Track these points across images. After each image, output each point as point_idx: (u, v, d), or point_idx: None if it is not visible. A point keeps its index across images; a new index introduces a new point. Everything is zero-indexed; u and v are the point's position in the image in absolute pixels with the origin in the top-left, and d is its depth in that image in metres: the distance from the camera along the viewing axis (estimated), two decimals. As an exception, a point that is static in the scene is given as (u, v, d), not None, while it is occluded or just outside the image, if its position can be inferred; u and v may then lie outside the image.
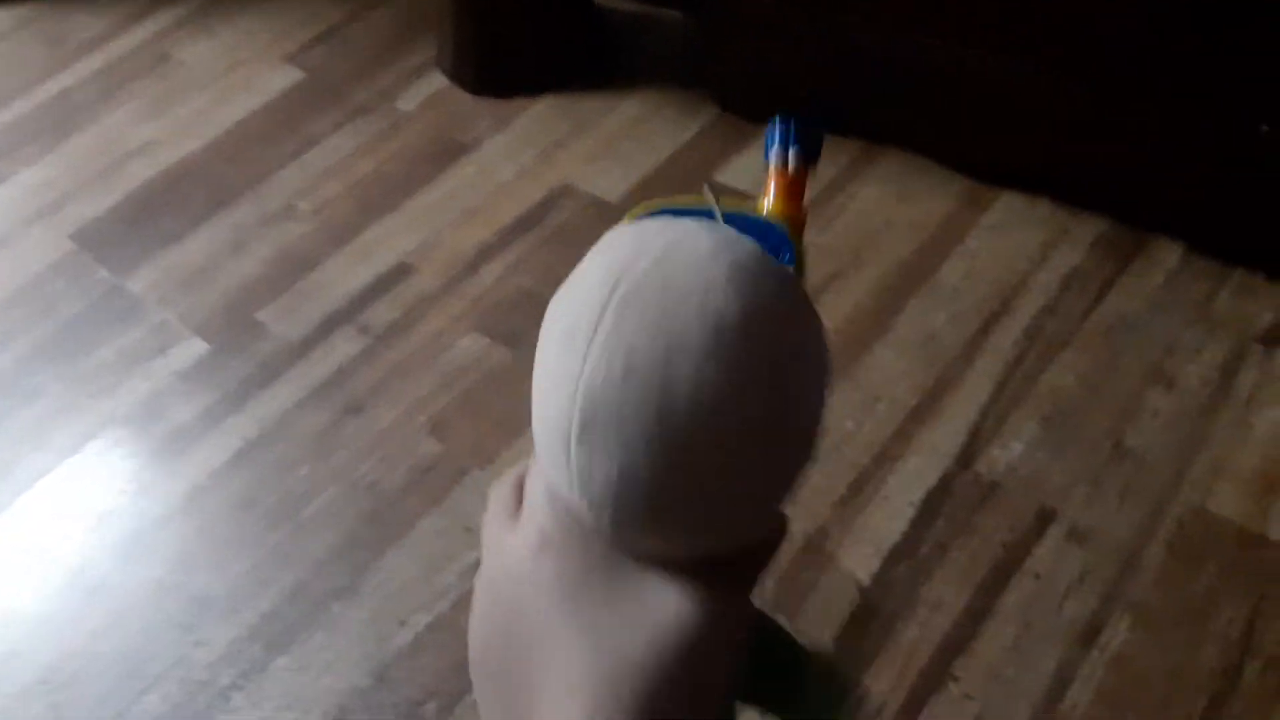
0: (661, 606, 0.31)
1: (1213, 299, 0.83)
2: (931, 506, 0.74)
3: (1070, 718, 0.63)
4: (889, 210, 0.97)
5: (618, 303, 0.29)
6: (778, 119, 0.42)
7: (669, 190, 1.05)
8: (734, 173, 1.03)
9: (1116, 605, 0.67)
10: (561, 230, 1.00)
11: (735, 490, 0.31)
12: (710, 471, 0.30)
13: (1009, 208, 0.94)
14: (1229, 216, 0.82)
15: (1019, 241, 0.91)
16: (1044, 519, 0.72)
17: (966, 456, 0.77)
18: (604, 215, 1.01)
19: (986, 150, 0.95)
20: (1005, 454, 0.77)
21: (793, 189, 0.44)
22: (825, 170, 1.01)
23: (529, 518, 0.34)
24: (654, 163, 1.06)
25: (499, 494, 0.36)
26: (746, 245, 0.32)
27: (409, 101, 1.19)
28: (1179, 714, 0.62)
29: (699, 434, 0.29)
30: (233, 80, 1.26)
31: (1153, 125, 0.81)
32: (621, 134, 1.11)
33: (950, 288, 0.89)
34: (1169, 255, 0.86)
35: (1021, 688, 0.65)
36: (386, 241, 1.02)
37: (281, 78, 1.25)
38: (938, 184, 0.98)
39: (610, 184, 1.05)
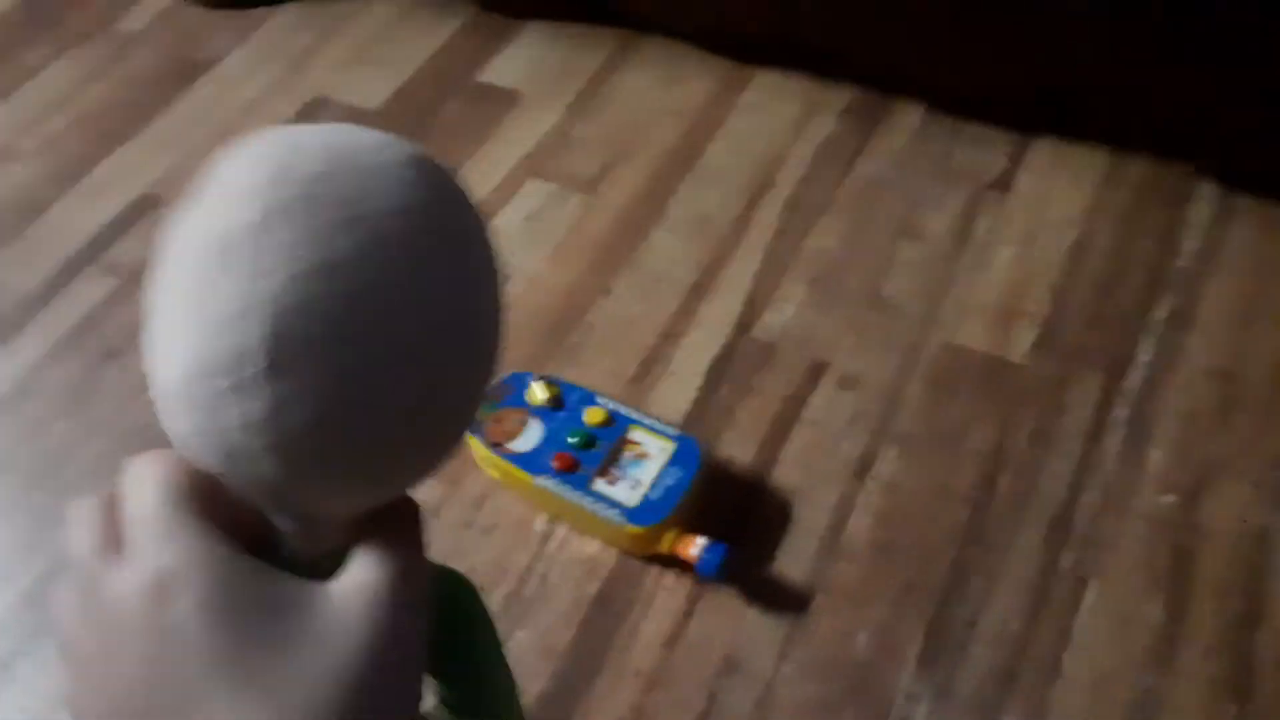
0: (341, 596, 0.27)
1: (951, 154, 0.89)
2: (716, 375, 0.78)
3: (853, 543, 0.69)
4: (653, 97, 0.98)
5: (290, 204, 0.25)
6: None
7: (430, 94, 1.03)
8: (497, 71, 1.02)
9: (884, 439, 0.73)
10: (322, 145, 0.96)
11: (448, 399, 0.27)
12: (428, 377, 0.26)
13: (765, 85, 0.97)
14: (960, 73, 0.88)
15: (776, 117, 0.94)
16: (817, 371, 0.77)
17: (744, 324, 0.81)
18: (364, 124, 0.97)
19: (740, 30, 0.97)
20: (779, 317, 0.81)
21: None
22: (587, 62, 1.01)
23: (136, 553, 0.26)
24: (413, 65, 1.03)
25: (85, 520, 0.28)
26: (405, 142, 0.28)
27: (135, 21, 1.10)
28: (945, 525, 0.69)
29: (412, 333, 0.25)
30: (-78, 11, 1.12)
31: (883, -8, 0.85)
32: (375, 38, 1.06)
33: (717, 168, 0.92)
34: (910, 117, 0.92)
35: (809, 525, 0.70)
36: (126, 174, 0.95)
37: (-18, 6, 1.12)
38: (697, 68, 0.99)
39: (369, 91, 1.01)
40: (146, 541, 0.26)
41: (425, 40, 1.05)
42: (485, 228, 0.29)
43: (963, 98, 0.90)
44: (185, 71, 1.03)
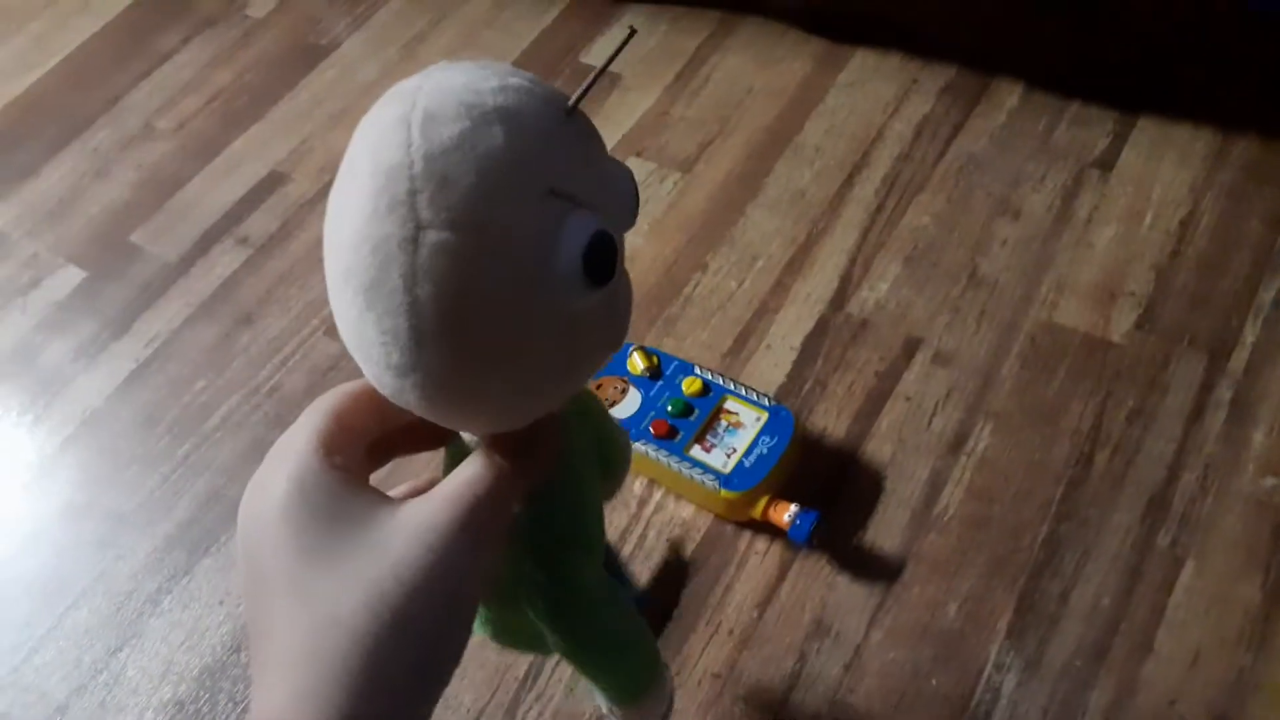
0: (403, 516, 0.30)
1: (1052, 131, 0.89)
2: (810, 349, 0.79)
3: (945, 515, 0.70)
4: (750, 77, 0.99)
5: (427, 163, 0.26)
6: None
7: (536, 75, 1.06)
8: (598, 53, 1.04)
9: (979, 415, 0.74)
10: (433, 126, 1.00)
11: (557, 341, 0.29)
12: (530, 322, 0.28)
13: (862, 65, 0.98)
14: (1060, 52, 0.88)
15: (873, 96, 0.95)
16: (911, 347, 0.78)
17: (839, 300, 0.82)
18: (474, 107, 1.01)
19: (837, 9, 0.98)
20: (873, 294, 0.82)
21: None
22: (686, 43, 1.03)
23: (266, 462, 0.32)
24: (518, 48, 1.06)
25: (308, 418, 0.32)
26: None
27: (259, 8, 1.16)
28: (1039, 500, 0.69)
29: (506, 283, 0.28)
30: (67, 4, 1.20)
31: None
32: (481, 23, 1.10)
33: (813, 146, 0.93)
34: (1010, 96, 0.92)
35: (901, 497, 0.71)
36: (255, 152, 1.01)
37: (119, -6, 1.20)
38: (794, 48, 1.01)
39: (477, 75, 1.05)
40: (275, 451, 0.32)
41: (529, 25, 1.08)
42: (559, 245, 0.29)
43: (1063, 75, 0.89)
44: (307, 55, 1.09)
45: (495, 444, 0.32)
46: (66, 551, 0.76)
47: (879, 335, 0.80)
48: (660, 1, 1.07)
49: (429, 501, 0.30)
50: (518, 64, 1.05)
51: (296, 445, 0.31)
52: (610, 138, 0.97)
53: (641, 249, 0.88)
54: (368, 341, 0.28)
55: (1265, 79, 0.81)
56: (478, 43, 1.08)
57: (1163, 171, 0.84)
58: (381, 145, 0.27)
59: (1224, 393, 0.72)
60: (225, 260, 0.92)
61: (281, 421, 0.81)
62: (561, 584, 0.37)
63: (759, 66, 1.00)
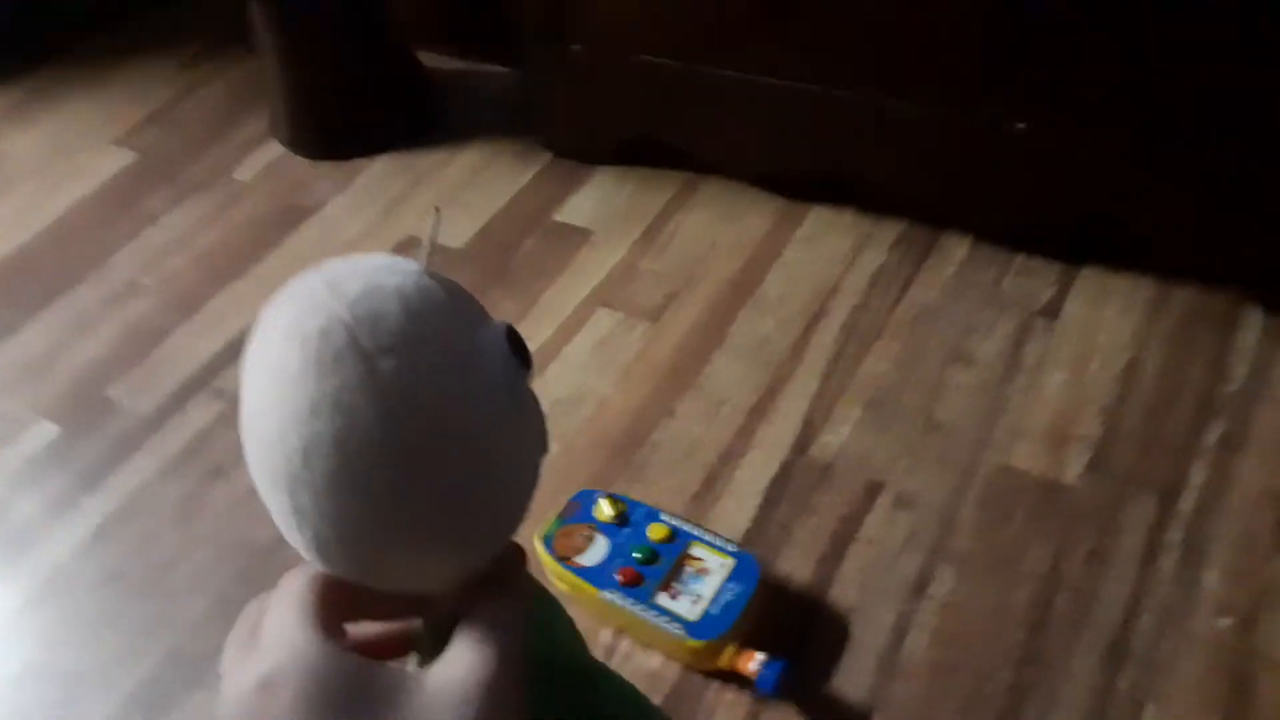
0: (433, 689, 0.29)
1: (1000, 282, 0.93)
2: (775, 494, 0.81)
3: (911, 661, 0.70)
4: (714, 233, 1.04)
5: (316, 346, 0.28)
6: None
7: (511, 232, 1.11)
8: (570, 211, 1.10)
9: (940, 559, 0.75)
10: (410, 280, 1.04)
11: (475, 492, 0.30)
12: (445, 480, 0.29)
13: (819, 220, 1.03)
14: (1005, 208, 0.93)
15: (830, 249, 1.00)
16: (873, 491, 0.80)
17: (802, 444, 0.84)
18: (451, 261, 1.06)
19: (793, 169, 1.04)
20: (835, 438, 0.84)
21: None
22: (653, 202, 1.09)
23: (258, 652, 0.30)
24: (495, 207, 1.12)
25: (241, 621, 0.32)
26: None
27: (246, 172, 1.21)
28: (1003, 644, 0.70)
29: (420, 444, 0.29)
30: (61, 167, 1.25)
31: (930, 132, 0.91)
32: (461, 184, 1.16)
33: (775, 297, 0.97)
34: (959, 248, 0.97)
35: (867, 643, 0.71)
36: (237, 307, 1.04)
37: (112, 161, 1.25)
38: (755, 205, 1.06)
39: (455, 231, 1.09)
40: (268, 642, 0.30)
41: (506, 185, 1.14)
42: (479, 345, 0.31)
43: (1009, 229, 0.95)
44: (291, 216, 1.14)
45: (475, 593, 0.32)
46: (23, 713, 0.75)
47: (842, 479, 0.81)
48: (628, 164, 1.13)
49: (451, 667, 0.30)
50: (495, 221, 1.10)
51: (293, 636, 0.29)
52: (580, 290, 1.01)
53: (611, 397, 0.90)
54: (338, 513, 0.29)
55: (1201, 230, 0.86)
56: (457, 201, 1.13)
57: (1106, 319, 0.89)
58: (303, 319, 0.29)
59: (1175, 534, 0.74)
60: (200, 413, 0.94)
61: (248, 575, 0.81)
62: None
63: (722, 223, 1.05)
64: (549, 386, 0.92)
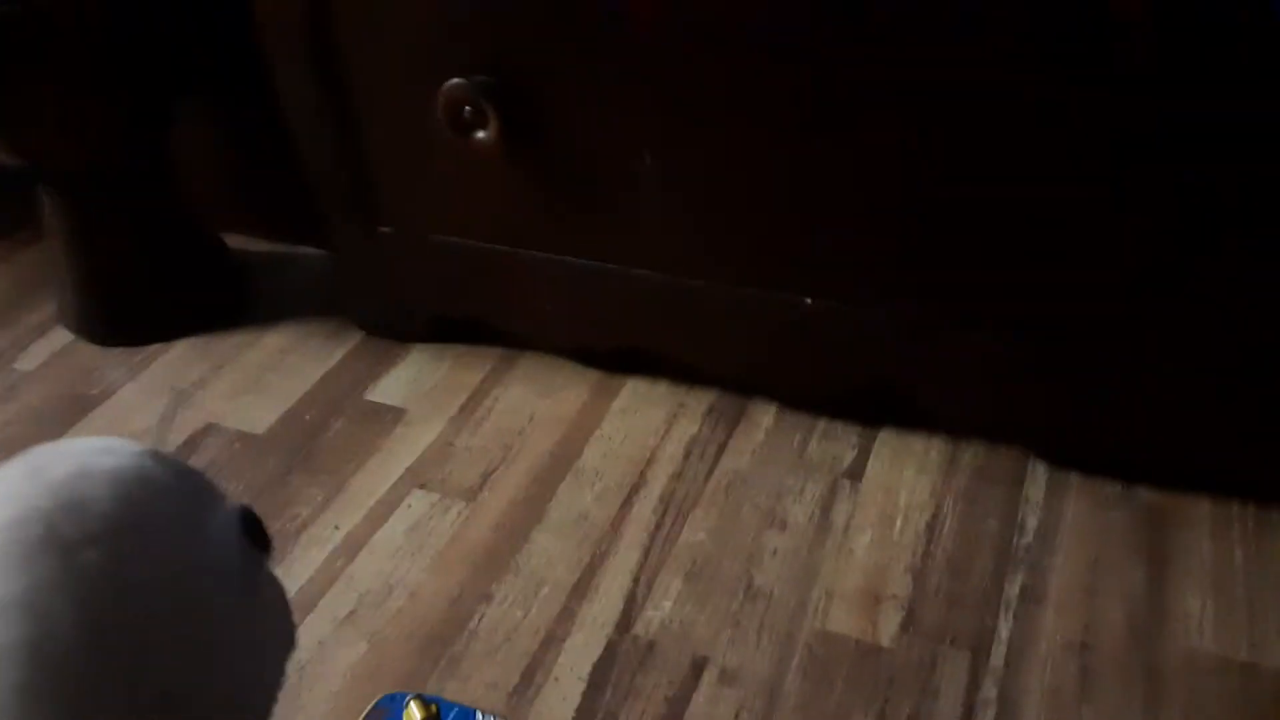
0: None
1: (805, 447, 0.96)
2: (599, 678, 0.78)
3: None
4: (531, 406, 1.04)
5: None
6: None
7: (319, 414, 1.07)
8: (383, 390, 1.07)
9: (767, 735, 0.74)
10: (210, 467, 0.98)
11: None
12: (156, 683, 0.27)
13: (634, 392, 1.05)
14: (804, 377, 0.97)
15: (645, 420, 1.01)
16: (698, 667, 0.78)
17: (625, 623, 0.82)
18: (252, 448, 1.01)
19: (605, 345, 1.06)
20: (658, 613, 0.83)
21: None
22: (469, 378, 1.08)
23: None
24: (301, 389, 1.08)
25: None
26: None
27: (29, 361, 1.13)
28: (833, 824, 0.68)
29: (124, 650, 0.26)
30: None
31: (726, 308, 0.95)
32: (266, 366, 1.11)
33: (593, 470, 0.96)
34: (766, 415, 1.00)
35: (697, 835, 0.68)
36: (5, 509, 0.95)
37: (-127, 350, 1.15)
38: (572, 378, 1.07)
39: (257, 416, 1.05)
40: None
41: (315, 365, 1.11)
42: (208, 531, 0.29)
43: (810, 396, 0.99)
44: (76, 406, 1.06)
45: None
46: None
47: (666, 657, 0.79)
48: (444, 340, 1.13)
49: None
50: (301, 402, 1.06)
51: None
52: (392, 472, 0.97)
53: (424, 583, 0.86)
54: None
55: (983, 392, 0.92)
56: (260, 386, 1.08)
57: (905, 478, 0.92)
58: (6, 503, 0.26)
59: (990, 690, 0.75)
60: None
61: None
62: None
63: (538, 396, 1.05)
64: (356, 579, 0.87)
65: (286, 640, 0.31)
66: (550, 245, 1.00)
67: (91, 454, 0.28)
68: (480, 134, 0.89)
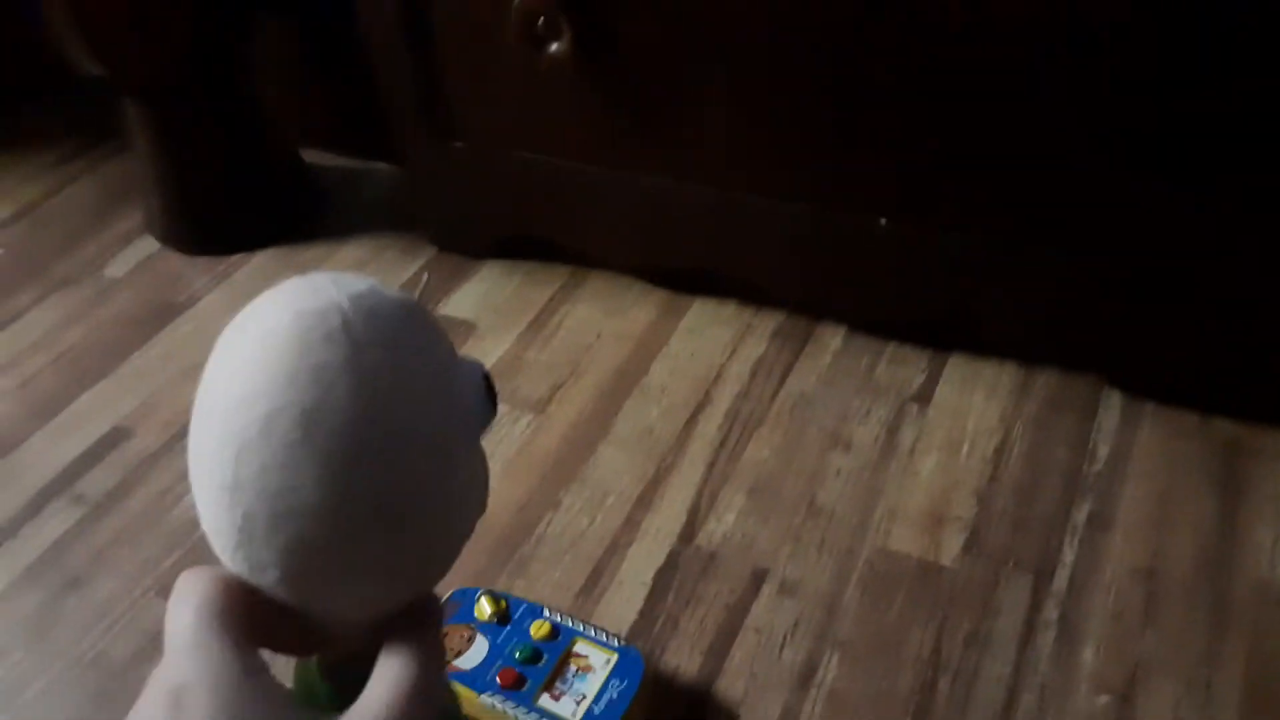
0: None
1: (873, 370, 0.96)
2: (662, 584, 0.80)
3: (797, 754, 0.69)
4: (599, 324, 1.05)
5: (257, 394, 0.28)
6: None
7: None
8: (455, 305, 1.09)
9: (826, 646, 0.75)
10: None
11: (407, 523, 0.29)
12: (384, 512, 0.29)
13: (701, 312, 1.05)
14: (874, 299, 0.97)
15: (712, 340, 1.01)
16: (758, 579, 0.80)
17: (688, 533, 0.84)
18: (330, 358, 1.04)
19: (675, 264, 1.06)
20: (720, 526, 0.84)
21: None
22: (539, 294, 1.09)
23: (166, 665, 0.28)
24: (377, 304, 1.10)
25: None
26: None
27: (119, 268, 1.18)
28: (888, 732, 0.70)
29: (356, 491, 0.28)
30: (-84, 262, 1.19)
31: (797, 227, 0.95)
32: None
33: (659, 387, 0.97)
34: (833, 338, 1.00)
35: (754, 736, 0.70)
36: (100, 409, 0.99)
37: (-26, 256, 1.20)
38: (640, 298, 1.08)
39: (335, 328, 1.07)
40: (175, 656, 0.28)
41: (390, 279, 1.13)
42: (459, 372, 0.32)
43: (879, 319, 0.98)
44: (163, 312, 1.10)
45: (388, 637, 0.30)
46: None
47: (727, 567, 0.81)
48: (513, 257, 1.14)
49: (368, 707, 0.29)
50: (376, 316, 1.09)
51: (206, 645, 0.28)
52: (464, 384, 0.99)
53: (495, 490, 0.88)
54: (283, 487, 0.27)
55: (1058, 318, 0.91)
56: (337, 297, 1.11)
57: (974, 404, 0.92)
58: (302, 297, 0.29)
59: (1051, 612, 0.75)
60: (56, 521, 0.88)
61: (105, 693, 0.75)
62: None
63: (606, 315, 1.06)
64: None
65: (481, 502, 0.33)
66: (620, 162, 0.99)
67: (383, 285, 0.31)
68: (553, 47, 0.89)
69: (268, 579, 0.29)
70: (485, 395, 0.32)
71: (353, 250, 1.18)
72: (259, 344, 0.28)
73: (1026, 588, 0.77)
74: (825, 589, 0.79)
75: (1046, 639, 0.74)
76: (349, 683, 0.30)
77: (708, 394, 0.96)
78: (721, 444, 0.91)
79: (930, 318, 0.95)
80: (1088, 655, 0.73)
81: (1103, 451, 0.86)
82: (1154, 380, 0.90)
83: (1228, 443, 0.86)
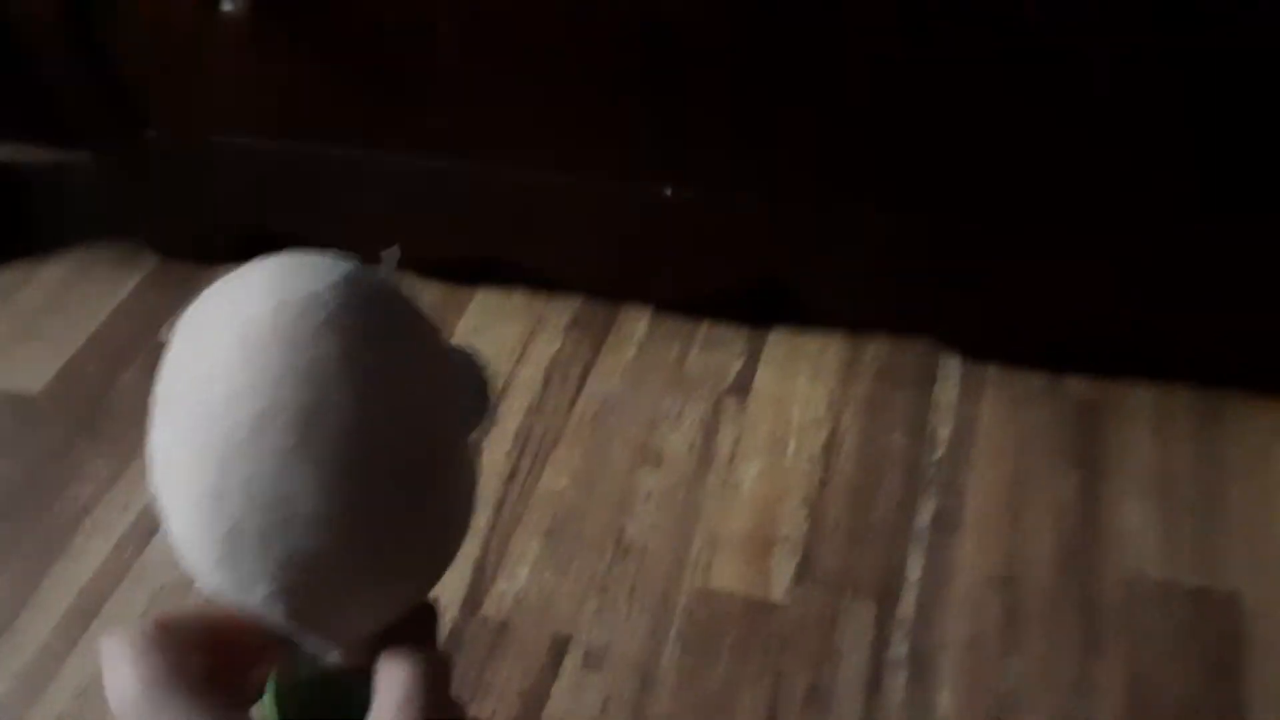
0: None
1: (684, 359, 0.82)
2: (443, 671, 0.65)
3: None
4: (362, 335, 0.87)
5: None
6: None
7: (106, 364, 0.90)
8: (184, 328, 0.89)
9: (641, 727, 0.62)
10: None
11: (411, 520, 0.26)
12: (381, 508, 0.26)
13: (484, 306, 0.88)
14: (678, 275, 0.82)
15: (499, 338, 0.85)
16: (559, 649, 0.66)
17: (474, 600, 0.69)
18: (25, 412, 0.83)
19: (452, 254, 0.88)
20: (513, 585, 0.69)
21: None
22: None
23: None
24: (85, 333, 0.89)
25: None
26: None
27: None
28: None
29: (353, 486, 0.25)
30: None
31: (584, 202, 0.79)
32: (42, 308, 0.92)
33: (436, 407, 0.81)
34: (638, 324, 0.85)
35: None
36: None
37: None
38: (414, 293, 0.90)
39: (32, 373, 0.86)
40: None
41: (101, 303, 0.92)
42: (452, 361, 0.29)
43: (687, 297, 0.84)
44: None
45: (388, 649, 0.27)
46: None
47: (522, 639, 0.66)
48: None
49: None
50: (83, 353, 0.88)
51: (151, 705, 0.25)
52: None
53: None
54: (277, 496, 0.24)
55: (883, 280, 0.78)
56: (36, 332, 0.90)
57: (798, 389, 0.79)
58: (286, 283, 0.25)
59: (900, 647, 0.64)
60: None
61: None
62: None
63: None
64: (149, 572, 0.72)
65: (465, 527, 0.28)
66: (357, 139, 0.81)
67: (362, 268, 0.27)
68: (226, 4, 0.69)
69: (256, 596, 0.25)
70: (481, 386, 0.29)
71: (55, 268, 0.95)
72: (238, 337, 0.25)
73: (869, 619, 0.65)
74: (638, 652, 0.65)
75: (896, 682, 0.62)
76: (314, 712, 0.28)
77: (494, 409, 0.80)
78: (511, 475, 0.76)
79: (742, 290, 0.81)
80: (944, 698, 0.62)
81: (943, 433, 0.75)
82: (995, 338, 0.79)
83: (1082, 403, 0.76)
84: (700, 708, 0.62)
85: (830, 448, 0.74)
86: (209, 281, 0.82)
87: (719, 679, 0.63)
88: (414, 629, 0.27)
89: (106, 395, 0.85)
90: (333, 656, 0.28)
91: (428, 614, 0.28)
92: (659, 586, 0.68)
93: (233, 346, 0.24)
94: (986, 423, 0.75)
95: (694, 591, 0.68)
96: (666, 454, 0.75)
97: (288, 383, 0.24)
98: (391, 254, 0.31)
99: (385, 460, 0.25)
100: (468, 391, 0.29)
